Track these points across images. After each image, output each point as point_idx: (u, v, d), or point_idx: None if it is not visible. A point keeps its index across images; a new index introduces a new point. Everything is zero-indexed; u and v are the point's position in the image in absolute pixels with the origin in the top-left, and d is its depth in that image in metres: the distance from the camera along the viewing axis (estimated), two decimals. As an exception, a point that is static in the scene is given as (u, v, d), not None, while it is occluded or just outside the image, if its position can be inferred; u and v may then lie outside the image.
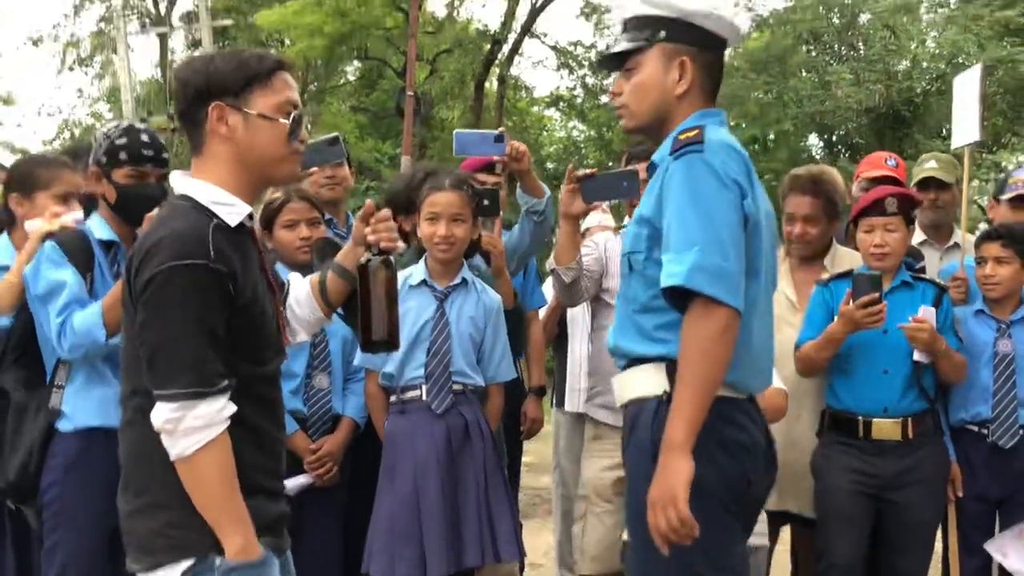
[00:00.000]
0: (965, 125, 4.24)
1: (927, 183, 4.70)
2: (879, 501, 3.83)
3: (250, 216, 2.31)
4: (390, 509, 3.64)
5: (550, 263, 3.85)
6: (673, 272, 2.35)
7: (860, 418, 3.83)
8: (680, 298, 2.38)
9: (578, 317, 4.79)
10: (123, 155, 3.17)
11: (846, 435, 3.86)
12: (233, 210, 2.27)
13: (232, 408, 2.18)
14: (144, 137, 3.22)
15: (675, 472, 2.29)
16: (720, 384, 2.38)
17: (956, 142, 4.35)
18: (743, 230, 2.42)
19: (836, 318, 3.78)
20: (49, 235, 3.18)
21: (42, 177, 3.46)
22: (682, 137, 2.48)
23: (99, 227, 3.23)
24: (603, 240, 4.18)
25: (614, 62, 2.68)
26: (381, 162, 21.68)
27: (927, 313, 3.78)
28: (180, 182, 2.32)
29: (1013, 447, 3.90)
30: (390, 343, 2.50)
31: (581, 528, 4.16)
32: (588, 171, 3.63)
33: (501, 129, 4.09)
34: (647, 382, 2.50)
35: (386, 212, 2.56)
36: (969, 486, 3.97)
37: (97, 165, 3.19)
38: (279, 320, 2.42)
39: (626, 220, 3.90)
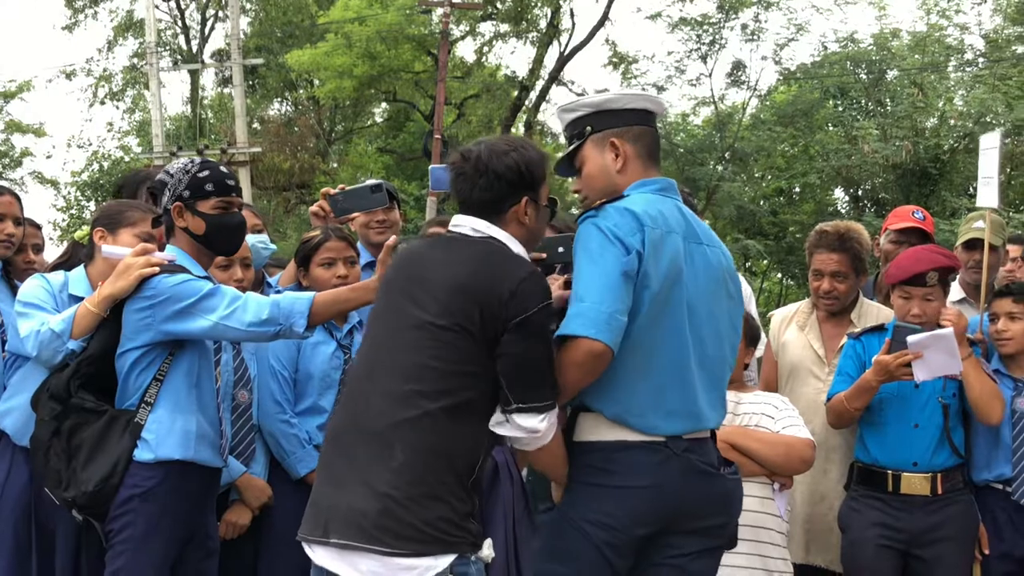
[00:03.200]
0: (986, 189, 4.24)
1: (974, 243, 4.49)
2: (906, 556, 3.82)
3: None
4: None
5: None
6: (563, 324, 2.64)
7: (889, 472, 3.83)
8: None
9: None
10: (209, 186, 3.17)
11: (875, 489, 3.86)
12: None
13: None
14: (223, 168, 3.26)
15: None
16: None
17: (979, 203, 4.36)
18: (626, 278, 2.63)
19: (871, 367, 3.78)
20: (149, 277, 3.09)
21: (130, 217, 3.48)
22: (592, 208, 2.80)
23: (186, 262, 3.20)
24: None
25: (567, 168, 2.99)
26: (407, 203, 21.87)
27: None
28: (484, 226, 2.69)
29: (1036, 505, 3.88)
30: None
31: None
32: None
33: None
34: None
35: None
36: (994, 545, 3.94)
37: (179, 199, 3.18)
38: None
39: None
